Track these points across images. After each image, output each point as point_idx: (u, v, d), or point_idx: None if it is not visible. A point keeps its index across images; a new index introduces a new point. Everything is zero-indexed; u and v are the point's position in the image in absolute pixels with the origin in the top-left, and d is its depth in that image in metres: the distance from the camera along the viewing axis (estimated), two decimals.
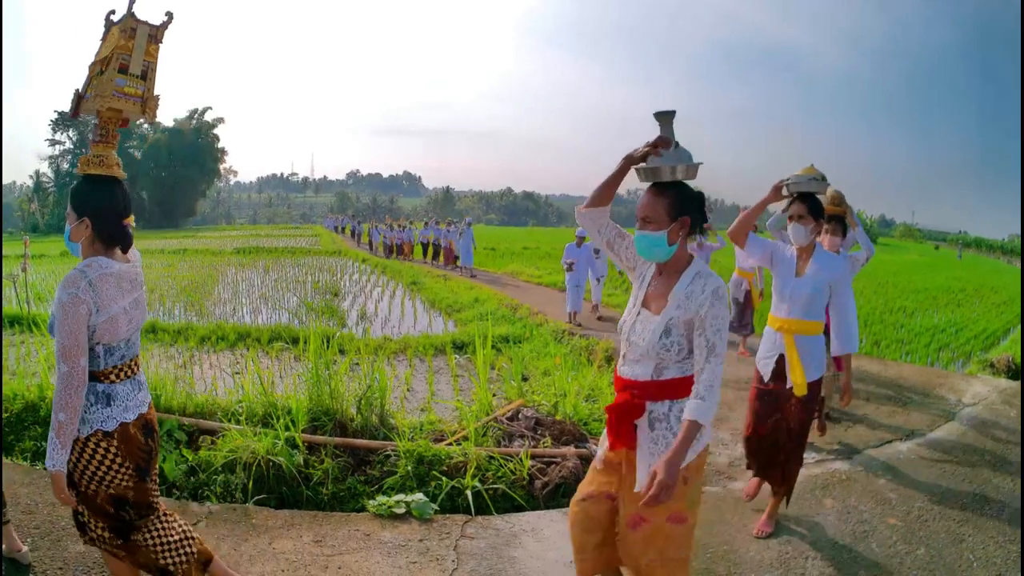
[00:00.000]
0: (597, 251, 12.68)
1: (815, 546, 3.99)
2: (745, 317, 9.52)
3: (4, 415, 5.29)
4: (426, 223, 32.34)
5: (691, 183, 2.66)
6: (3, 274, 11.04)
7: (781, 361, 4.08)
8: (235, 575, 3.15)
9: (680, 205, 2.61)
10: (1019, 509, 4.48)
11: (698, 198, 2.67)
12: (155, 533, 2.78)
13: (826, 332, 4.23)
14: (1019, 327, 13.04)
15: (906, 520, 4.34)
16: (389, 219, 44.61)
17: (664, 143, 2.61)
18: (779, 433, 4.12)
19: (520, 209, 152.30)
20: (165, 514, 2.87)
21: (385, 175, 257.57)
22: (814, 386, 4.03)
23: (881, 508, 4.51)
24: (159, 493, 2.90)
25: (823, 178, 4.00)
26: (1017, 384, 7.90)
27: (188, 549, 2.86)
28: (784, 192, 4.08)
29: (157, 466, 2.87)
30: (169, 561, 2.80)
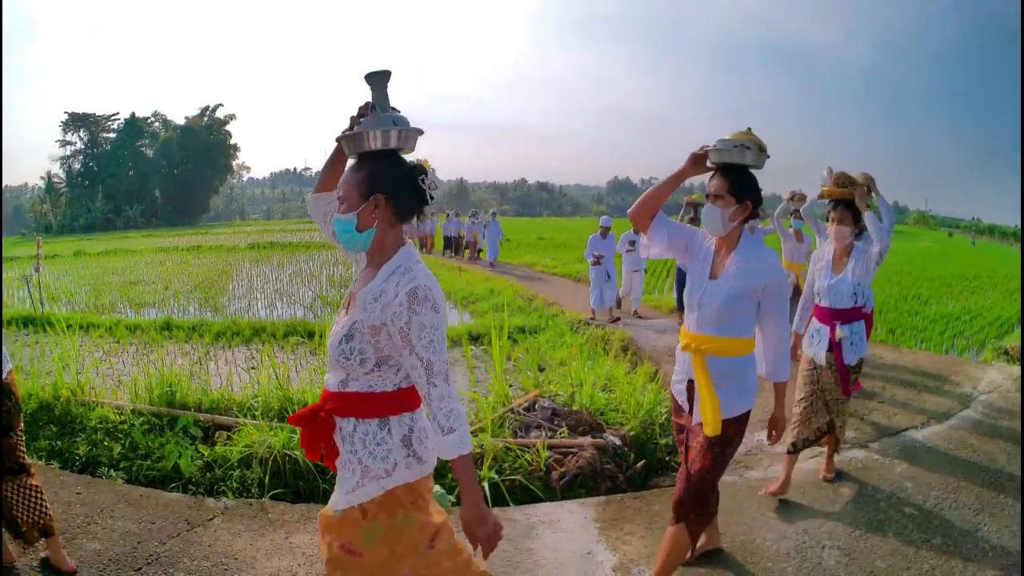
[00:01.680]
0: (632, 242, 11.86)
1: (831, 535, 3.98)
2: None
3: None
4: (448, 215, 29.74)
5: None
6: (16, 276, 11.11)
7: (693, 387, 3.17)
8: (68, 560, 3.43)
9: (375, 180, 2.15)
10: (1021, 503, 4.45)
11: (407, 172, 2.18)
12: (16, 490, 3.20)
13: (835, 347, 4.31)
14: (1021, 317, 12.92)
15: (922, 509, 4.32)
16: None
17: (366, 109, 2.18)
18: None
19: (534, 200, 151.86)
20: (35, 486, 3.27)
21: None
22: (731, 426, 3.07)
23: (897, 497, 4.49)
24: (25, 456, 3.28)
25: (760, 148, 2.98)
26: None
27: (40, 511, 3.28)
28: (708, 163, 3.09)
29: (21, 428, 3.25)
30: (19, 514, 3.22)
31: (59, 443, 5.10)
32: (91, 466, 4.89)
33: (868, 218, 4.54)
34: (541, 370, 7.17)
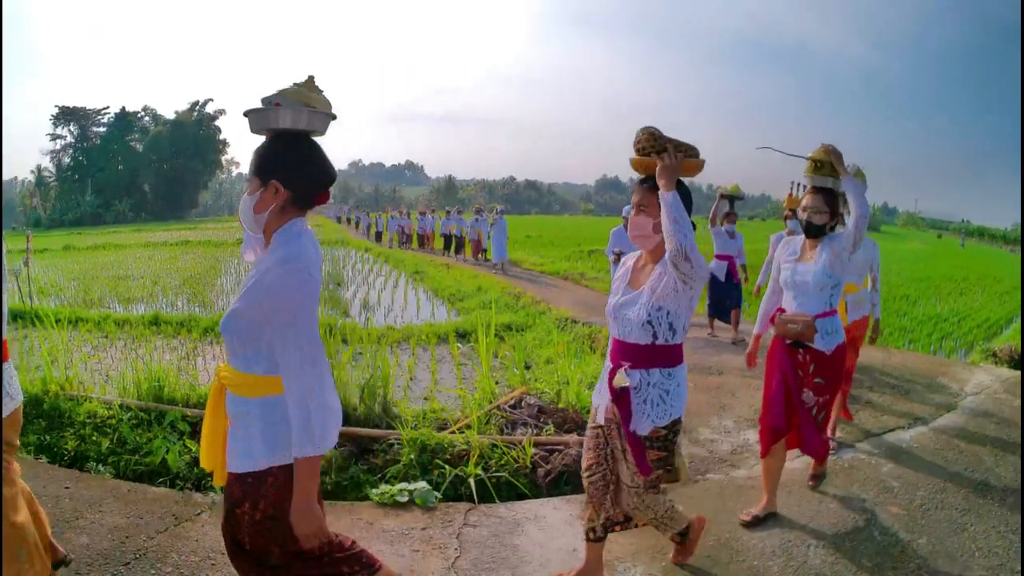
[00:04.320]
0: None
1: (817, 534, 4.00)
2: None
3: None
4: (448, 212, 28.76)
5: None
6: (6, 269, 11.03)
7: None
8: None
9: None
10: (1021, 499, 4.48)
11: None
12: None
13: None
14: (1020, 316, 13.02)
15: (908, 509, 4.34)
16: (404, 207, 43.69)
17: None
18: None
19: (523, 198, 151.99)
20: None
21: (388, 164, 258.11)
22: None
23: (884, 496, 4.51)
24: None
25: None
26: (1019, 374, 7.89)
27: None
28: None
29: None
30: None
31: (48, 437, 5.07)
32: (79, 460, 4.86)
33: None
34: (527, 368, 7.18)
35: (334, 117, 2.25)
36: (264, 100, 2.19)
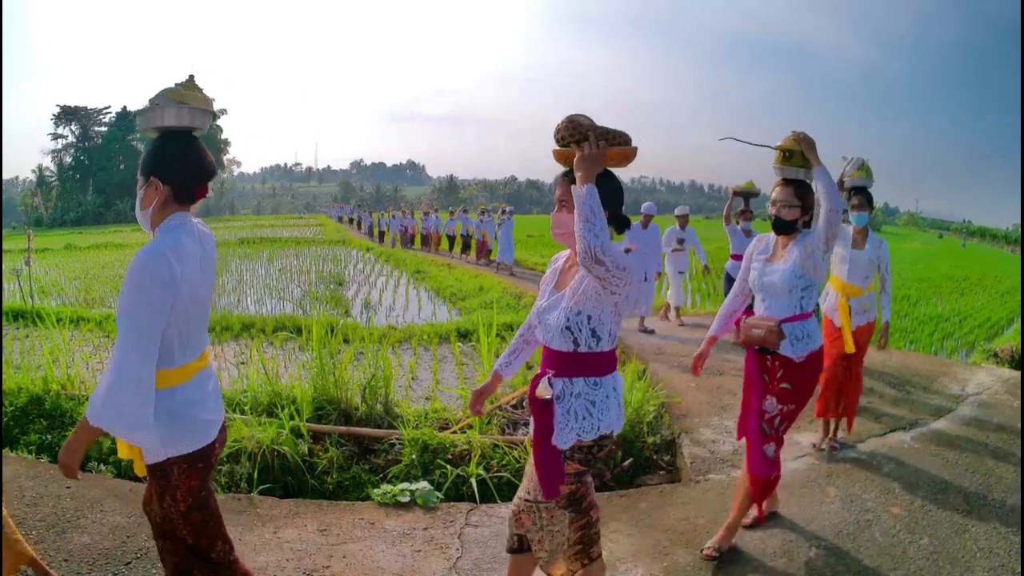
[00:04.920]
0: (681, 240, 10.67)
1: (818, 535, 4.00)
2: None
3: (8, 408, 5.32)
4: (452, 212, 27.47)
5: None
6: (6, 269, 11.05)
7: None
8: None
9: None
10: (1021, 500, 4.48)
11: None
12: None
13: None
14: (1021, 317, 13.02)
15: (909, 510, 4.34)
16: (405, 207, 43.35)
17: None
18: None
19: (524, 198, 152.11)
20: None
21: (389, 164, 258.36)
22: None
23: (884, 497, 4.51)
24: None
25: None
26: (1020, 374, 7.89)
27: None
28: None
29: None
30: None
31: (49, 437, 5.08)
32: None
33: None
34: (529, 367, 7.17)
35: (213, 113, 2.38)
36: (150, 101, 2.30)
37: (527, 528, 2.78)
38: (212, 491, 2.52)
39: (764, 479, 3.80)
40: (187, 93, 2.31)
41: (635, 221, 9.91)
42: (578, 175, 2.48)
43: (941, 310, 14.56)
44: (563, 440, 2.60)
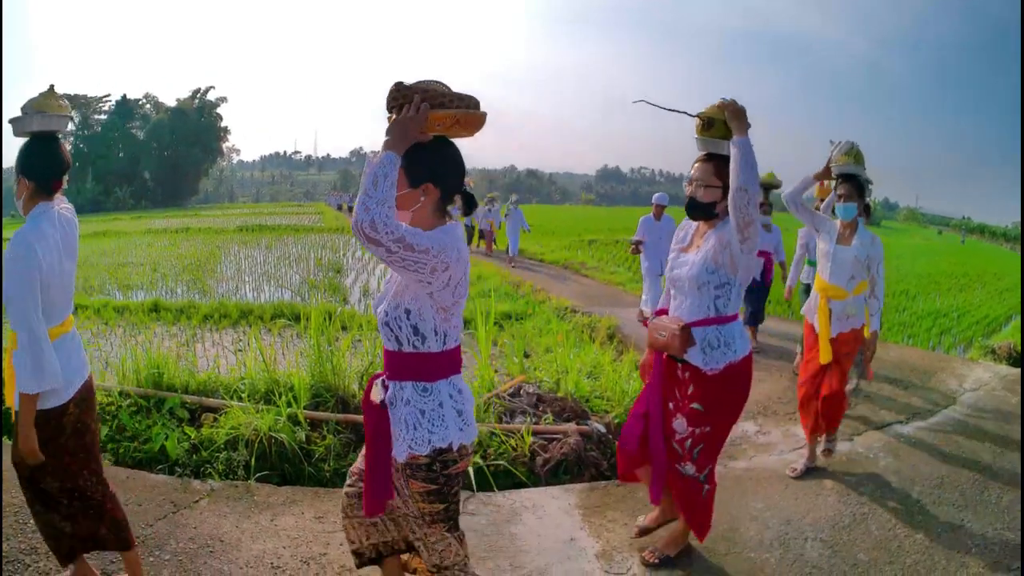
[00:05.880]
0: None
1: (814, 527, 4.01)
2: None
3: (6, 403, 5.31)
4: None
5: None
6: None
7: None
8: None
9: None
10: (1019, 496, 4.48)
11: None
12: None
13: None
14: (1020, 314, 13.03)
15: (906, 504, 4.35)
16: None
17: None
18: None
19: (523, 187, 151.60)
20: None
21: None
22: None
23: (881, 491, 4.52)
24: None
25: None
26: (1018, 371, 7.90)
27: None
28: None
29: None
30: None
31: None
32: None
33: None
34: (527, 356, 7.17)
35: (72, 119, 2.79)
36: (21, 109, 2.73)
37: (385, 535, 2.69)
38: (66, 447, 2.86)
39: (697, 501, 3.36)
40: (47, 102, 2.76)
41: (648, 212, 9.78)
42: (384, 140, 2.17)
43: (940, 306, 14.55)
44: (398, 451, 2.34)
